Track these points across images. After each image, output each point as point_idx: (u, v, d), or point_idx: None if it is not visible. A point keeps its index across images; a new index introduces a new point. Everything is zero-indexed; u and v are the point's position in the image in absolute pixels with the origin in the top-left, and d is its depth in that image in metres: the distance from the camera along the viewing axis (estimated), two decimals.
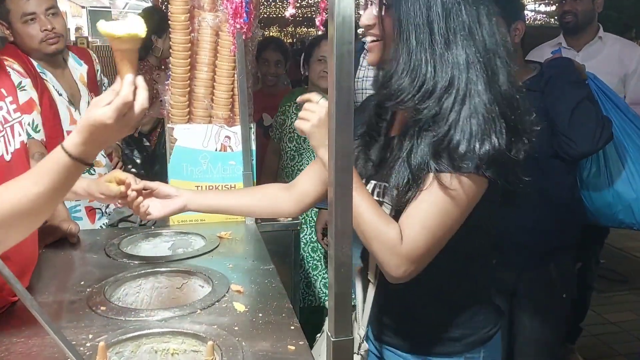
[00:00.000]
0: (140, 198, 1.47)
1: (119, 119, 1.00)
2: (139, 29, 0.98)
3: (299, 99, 1.21)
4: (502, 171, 1.09)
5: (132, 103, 1.01)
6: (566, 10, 2.78)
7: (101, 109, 1.00)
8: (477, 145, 1.04)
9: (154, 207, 1.48)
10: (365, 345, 1.29)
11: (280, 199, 1.50)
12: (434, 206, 1.07)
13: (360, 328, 1.28)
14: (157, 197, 1.49)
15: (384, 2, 1.12)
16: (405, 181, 1.11)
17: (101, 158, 2.33)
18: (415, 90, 1.09)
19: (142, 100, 1.03)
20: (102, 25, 0.98)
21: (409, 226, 1.08)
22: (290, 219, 2.14)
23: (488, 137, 1.05)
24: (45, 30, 2.08)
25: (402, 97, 1.11)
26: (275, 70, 3.16)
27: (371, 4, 1.16)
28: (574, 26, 2.78)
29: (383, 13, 1.13)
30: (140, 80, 1.03)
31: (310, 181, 1.45)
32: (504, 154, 1.06)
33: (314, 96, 1.16)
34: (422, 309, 1.23)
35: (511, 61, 1.14)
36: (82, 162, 1.03)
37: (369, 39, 1.19)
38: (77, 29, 13.94)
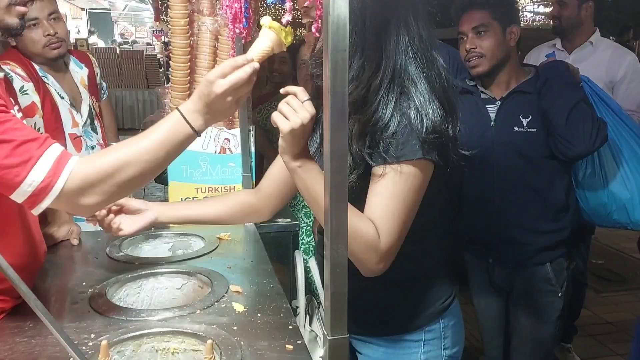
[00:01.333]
0: (111, 215, 1.45)
1: (232, 92, 1.12)
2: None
3: (282, 90, 1.13)
4: (442, 150, 1.16)
5: (246, 80, 1.12)
6: (553, 14, 2.92)
7: (219, 81, 1.11)
8: (417, 128, 1.11)
9: (125, 223, 1.46)
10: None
11: (250, 205, 1.53)
12: (398, 198, 1.13)
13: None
14: (126, 212, 1.48)
15: None
16: (350, 165, 1.17)
17: None
18: (358, 74, 1.16)
19: (250, 82, 1.14)
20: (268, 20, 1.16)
21: (381, 221, 1.12)
22: (288, 220, 2.16)
23: (424, 117, 1.12)
24: (48, 35, 2.11)
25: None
26: (280, 67, 3.17)
27: None
28: (559, 30, 2.90)
29: None
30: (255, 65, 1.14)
31: (272, 183, 1.48)
32: (441, 132, 1.13)
33: (301, 93, 1.10)
34: (374, 291, 1.26)
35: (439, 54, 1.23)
36: (194, 130, 1.15)
37: (305, 20, 1.24)
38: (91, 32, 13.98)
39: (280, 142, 1.12)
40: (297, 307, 1.59)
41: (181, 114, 1.15)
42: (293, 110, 1.08)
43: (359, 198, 1.16)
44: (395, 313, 1.31)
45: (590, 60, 2.76)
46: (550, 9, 3.57)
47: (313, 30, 0.90)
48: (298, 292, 1.59)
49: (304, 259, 2.76)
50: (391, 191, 1.13)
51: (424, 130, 1.12)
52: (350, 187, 1.15)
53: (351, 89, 1.15)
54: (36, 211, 1.11)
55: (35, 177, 1.05)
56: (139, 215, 1.48)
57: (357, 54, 1.16)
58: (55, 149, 1.10)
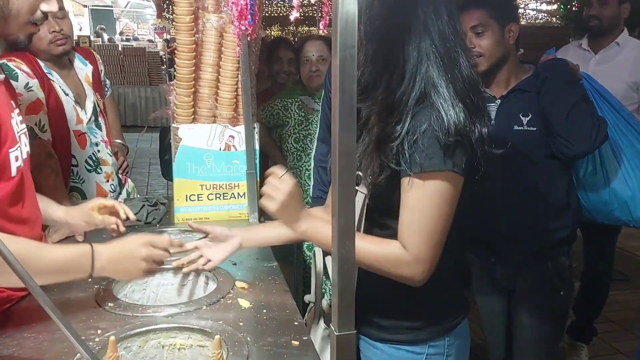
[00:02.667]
0: (196, 252, 1.49)
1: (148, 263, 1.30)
2: None
3: (266, 172, 1.23)
4: (468, 158, 1.15)
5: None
6: (592, 14, 2.82)
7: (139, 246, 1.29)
8: (441, 136, 1.10)
9: (212, 253, 1.48)
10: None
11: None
12: (423, 212, 1.14)
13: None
14: (213, 239, 1.51)
15: None
16: (377, 170, 1.19)
17: (107, 157, 2.35)
18: (378, 84, 1.18)
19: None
20: None
21: (408, 234, 1.15)
22: None
23: (446, 122, 1.11)
24: (54, 32, 2.11)
25: (368, 92, 1.20)
26: (288, 68, 3.19)
27: None
28: (598, 30, 2.83)
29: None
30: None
31: None
32: (465, 134, 1.13)
33: (277, 170, 1.21)
34: (386, 298, 1.28)
35: (467, 50, 1.23)
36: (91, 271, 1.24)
37: None
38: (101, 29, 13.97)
39: (280, 220, 1.21)
40: (310, 302, 1.58)
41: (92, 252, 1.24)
42: (275, 187, 1.18)
43: (388, 197, 1.19)
44: (402, 322, 1.30)
45: (616, 61, 2.74)
46: (552, 6, 3.54)
47: (321, 26, 0.90)
48: (313, 288, 1.58)
49: (307, 256, 2.79)
50: (417, 204, 1.14)
51: (447, 135, 1.11)
52: (379, 187, 1.20)
53: (375, 98, 1.19)
54: None
55: None
56: (226, 242, 1.49)
57: (378, 63, 1.17)
58: None
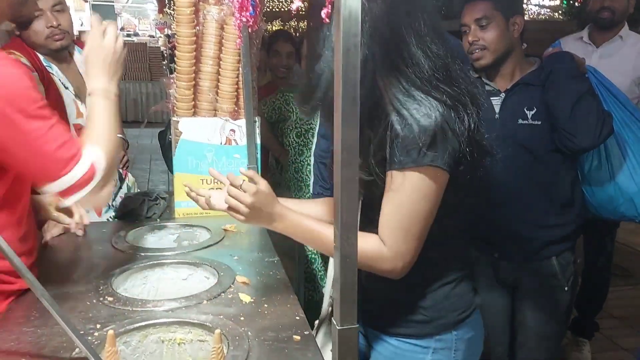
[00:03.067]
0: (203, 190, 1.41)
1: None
2: None
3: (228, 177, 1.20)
4: (455, 155, 1.13)
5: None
6: (605, 6, 2.75)
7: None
8: (420, 133, 1.08)
9: (216, 199, 1.38)
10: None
11: None
12: (403, 207, 1.14)
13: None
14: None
15: None
16: (366, 170, 1.18)
17: None
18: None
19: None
20: None
21: (387, 230, 1.16)
22: None
23: (427, 119, 1.09)
24: (51, 26, 2.09)
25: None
26: (287, 62, 3.15)
27: None
28: (609, 22, 2.77)
29: None
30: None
31: None
32: (446, 131, 1.11)
33: (235, 179, 1.19)
34: (392, 291, 1.27)
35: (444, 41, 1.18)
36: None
37: None
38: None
39: (254, 225, 1.23)
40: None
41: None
42: (237, 201, 1.17)
43: (381, 195, 1.18)
44: (408, 316, 1.29)
45: (618, 55, 2.70)
46: (554, 2, 3.50)
47: (323, 15, 0.88)
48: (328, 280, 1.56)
49: (309, 251, 2.78)
50: (397, 199, 1.15)
51: (423, 132, 1.09)
52: (372, 185, 1.19)
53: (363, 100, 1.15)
54: (68, 201, 1.23)
55: (77, 172, 1.18)
56: None
57: (368, 66, 1.13)
58: (91, 150, 1.22)
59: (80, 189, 1.19)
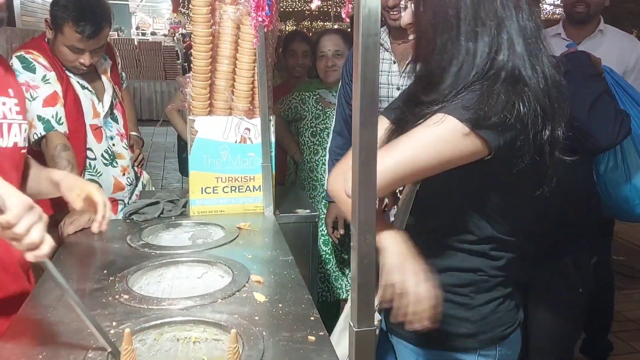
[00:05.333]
0: None
1: None
2: None
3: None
4: (512, 147, 1.07)
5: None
6: (576, 0, 2.72)
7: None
8: (486, 102, 1.03)
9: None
10: (377, 315, 1.31)
11: None
12: (404, 136, 1.09)
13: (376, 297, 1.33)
14: None
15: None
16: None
17: (123, 150, 2.35)
18: (443, 78, 1.12)
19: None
20: None
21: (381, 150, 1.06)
22: (308, 211, 2.15)
23: (499, 100, 1.04)
24: (80, 63, 2.11)
25: (432, 86, 1.13)
26: (303, 61, 3.16)
27: (407, 4, 1.20)
28: (584, 17, 2.72)
29: (418, 10, 1.16)
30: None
31: None
32: (520, 128, 1.05)
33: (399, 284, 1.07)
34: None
35: (548, 45, 1.14)
36: None
37: (411, 36, 1.21)
38: None
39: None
40: None
41: None
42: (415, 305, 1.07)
43: (441, 180, 1.12)
44: (455, 328, 1.23)
45: (601, 49, 2.61)
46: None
47: (343, 15, 0.88)
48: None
49: (323, 251, 2.77)
50: (416, 130, 1.08)
51: (492, 108, 1.03)
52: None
53: (441, 92, 1.11)
54: None
55: None
56: None
57: (447, 56, 1.11)
58: None
59: None
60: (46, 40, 2.15)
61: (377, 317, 1.32)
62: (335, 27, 11.52)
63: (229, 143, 2.00)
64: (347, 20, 1.09)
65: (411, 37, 1.21)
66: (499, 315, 1.25)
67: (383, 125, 1.27)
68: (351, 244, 0.90)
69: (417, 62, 1.23)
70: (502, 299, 1.26)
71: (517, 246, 1.25)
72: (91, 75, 2.28)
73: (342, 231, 2.52)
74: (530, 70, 1.09)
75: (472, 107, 1.04)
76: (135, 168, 2.49)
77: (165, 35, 16.73)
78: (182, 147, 3.53)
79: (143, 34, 15.97)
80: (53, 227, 1.70)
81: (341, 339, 1.39)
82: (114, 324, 1.24)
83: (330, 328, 1.46)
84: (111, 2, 2.36)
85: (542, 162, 1.12)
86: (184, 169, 3.50)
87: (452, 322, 1.23)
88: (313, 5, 0.95)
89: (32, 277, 1.59)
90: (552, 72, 1.12)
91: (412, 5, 1.18)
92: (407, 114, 1.20)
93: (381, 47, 2.16)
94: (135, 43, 11.12)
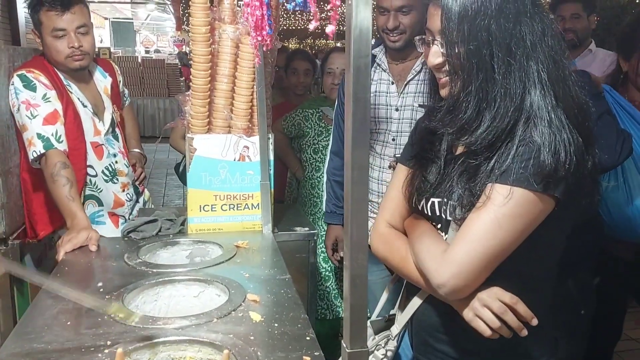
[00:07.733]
0: None
1: None
2: None
3: None
4: (573, 189, 1.06)
5: None
6: (567, 27, 2.89)
7: None
8: (546, 159, 1.03)
9: None
10: (393, 342, 1.31)
11: None
12: (481, 221, 1.07)
13: (395, 326, 1.34)
14: None
15: (451, 40, 1.11)
16: (467, 197, 1.12)
17: (124, 167, 2.36)
18: (479, 121, 1.10)
19: None
20: None
21: (455, 240, 1.10)
22: (307, 229, 2.15)
23: (556, 151, 1.03)
24: (72, 47, 2.13)
25: (468, 129, 1.12)
26: (305, 80, 3.19)
27: (433, 43, 1.17)
28: (573, 44, 2.90)
29: (451, 51, 1.12)
30: None
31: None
32: (575, 168, 1.04)
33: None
34: (470, 335, 1.16)
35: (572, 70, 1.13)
36: None
37: (440, 75, 1.19)
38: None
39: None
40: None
41: None
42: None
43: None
44: (494, 358, 1.22)
45: (591, 68, 2.72)
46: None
47: (328, 32, 0.88)
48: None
49: (323, 268, 2.76)
50: (479, 215, 1.07)
51: (553, 163, 1.03)
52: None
53: (477, 136, 1.10)
54: None
55: None
56: None
57: (480, 98, 1.09)
58: None
59: None
60: (41, 53, 2.19)
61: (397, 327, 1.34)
62: (338, 44, 11.62)
63: (227, 161, 2.00)
64: (331, 37, 1.09)
65: (442, 77, 1.18)
66: (537, 347, 1.24)
67: (402, 173, 1.31)
68: (344, 264, 0.89)
69: (446, 100, 1.19)
70: (541, 331, 1.21)
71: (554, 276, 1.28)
72: (92, 93, 2.30)
73: (342, 254, 2.51)
74: (564, 98, 1.08)
75: (534, 168, 1.04)
76: (137, 185, 2.50)
77: (171, 53, 16.88)
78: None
79: (147, 52, 16.11)
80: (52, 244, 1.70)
81: None
82: (109, 342, 1.23)
83: (329, 345, 1.45)
84: (116, 20, 2.39)
85: (589, 189, 1.11)
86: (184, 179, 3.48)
87: (491, 351, 1.20)
88: (311, 27, 0.95)
89: None
90: (579, 94, 1.11)
91: (441, 44, 1.14)
92: (429, 152, 1.22)
93: (379, 68, 2.17)
94: (139, 60, 11.21)
